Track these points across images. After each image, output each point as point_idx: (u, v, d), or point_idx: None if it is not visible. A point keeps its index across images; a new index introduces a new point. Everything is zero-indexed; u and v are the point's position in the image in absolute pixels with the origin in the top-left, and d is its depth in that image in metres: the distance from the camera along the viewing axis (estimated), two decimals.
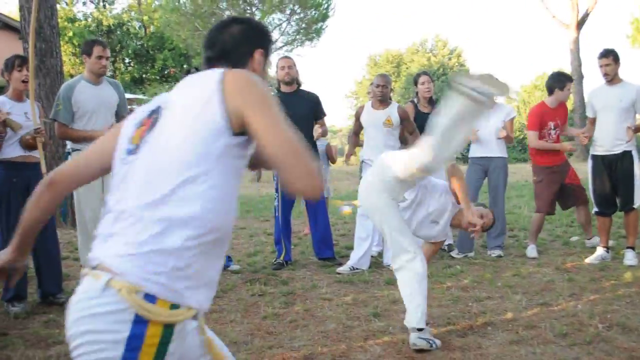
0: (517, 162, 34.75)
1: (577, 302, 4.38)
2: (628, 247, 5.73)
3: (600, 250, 5.84)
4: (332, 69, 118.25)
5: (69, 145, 5.01)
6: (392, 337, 3.76)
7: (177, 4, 17.97)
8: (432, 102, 6.41)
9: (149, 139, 1.63)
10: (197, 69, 5.65)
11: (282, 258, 5.92)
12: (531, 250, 6.11)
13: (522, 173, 19.63)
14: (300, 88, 6.04)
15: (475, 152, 6.35)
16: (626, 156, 5.68)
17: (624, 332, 3.71)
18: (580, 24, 22.55)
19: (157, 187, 1.54)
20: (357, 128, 6.22)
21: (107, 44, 5.15)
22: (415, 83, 6.49)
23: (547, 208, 6.24)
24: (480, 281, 5.09)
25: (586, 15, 22.59)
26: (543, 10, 23.09)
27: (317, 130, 5.78)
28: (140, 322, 1.48)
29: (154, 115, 1.67)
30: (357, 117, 6.10)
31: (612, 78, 5.74)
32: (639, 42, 28.89)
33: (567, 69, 25.35)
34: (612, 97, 5.67)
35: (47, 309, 4.57)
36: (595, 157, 5.86)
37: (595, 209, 5.92)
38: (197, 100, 1.60)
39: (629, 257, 5.62)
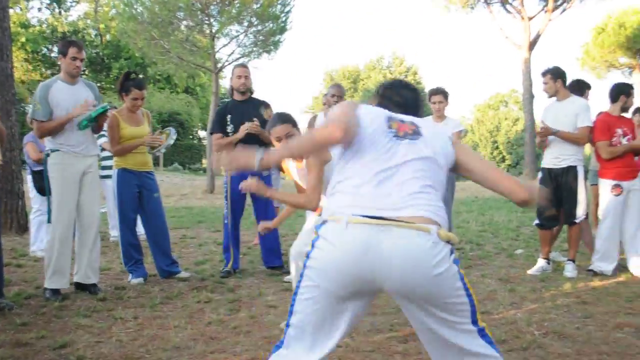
0: (467, 179, 35.38)
1: (517, 311, 4.49)
2: (568, 260, 5.91)
3: (541, 262, 6.01)
4: (290, 83, 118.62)
5: (48, 145, 5.14)
6: None
7: (133, 12, 17.77)
8: None
9: (417, 139, 2.31)
10: (136, 73, 5.75)
11: (229, 266, 5.91)
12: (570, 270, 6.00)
13: (471, 190, 20.00)
14: (252, 96, 6.08)
15: None
16: (571, 171, 5.87)
17: (559, 339, 3.82)
18: (532, 45, 23.15)
19: (434, 176, 2.28)
20: None
21: (83, 46, 5.29)
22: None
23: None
24: None
25: (538, 36, 23.21)
26: (497, 31, 23.61)
27: (267, 113, 5.80)
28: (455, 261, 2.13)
29: (412, 126, 2.36)
30: (310, 126, 6.15)
31: (552, 95, 5.96)
32: (588, 65, 29.81)
33: (520, 89, 25.98)
34: (559, 112, 5.86)
35: None
36: (543, 170, 6.04)
37: (536, 221, 6.08)
38: (442, 137, 2.41)
39: (569, 269, 5.79)
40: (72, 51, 5.05)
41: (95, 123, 5.19)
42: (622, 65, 29.37)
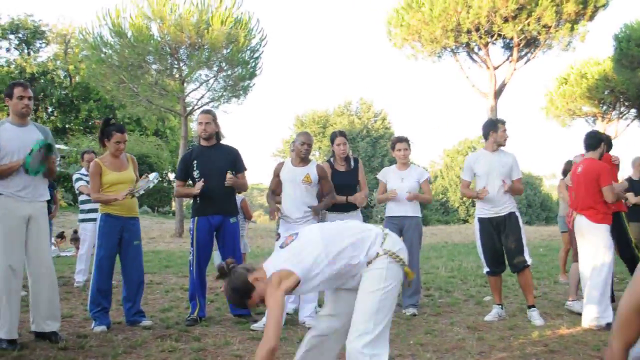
0: (439, 224, 35.56)
1: None
2: (530, 306, 5.95)
3: (495, 308, 6.07)
4: (260, 127, 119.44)
5: None
6: None
7: (103, 55, 17.78)
8: (349, 161, 6.54)
9: None
10: (116, 119, 5.73)
11: (196, 314, 5.80)
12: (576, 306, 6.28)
13: (442, 235, 20.10)
14: (220, 142, 6.07)
15: (390, 211, 6.51)
16: (512, 217, 6.01)
17: None
18: (497, 93, 23.63)
19: None
20: (275, 185, 6.20)
21: (29, 85, 5.16)
22: (332, 142, 6.61)
23: None
24: (393, 339, 5.10)
25: (503, 85, 23.71)
26: (464, 80, 24.05)
27: (228, 176, 5.77)
28: None
29: None
30: (277, 173, 6.11)
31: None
32: (552, 114, 30.52)
33: None
34: (495, 163, 6.02)
35: None
36: (482, 220, 6.13)
37: (486, 269, 6.15)
38: None
39: (535, 317, 5.81)
40: (17, 91, 4.93)
41: (43, 167, 5.00)
42: (585, 114, 30.10)
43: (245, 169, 6.09)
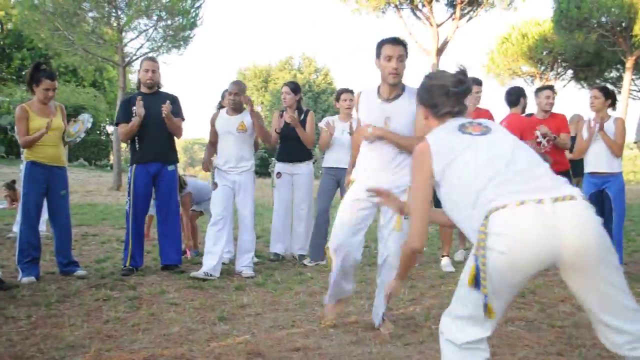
0: None
1: (415, 307, 4.62)
2: (443, 256, 6.36)
3: (444, 260, 6.33)
4: (202, 80, 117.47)
5: None
6: (235, 339, 3.77)
7: (36, 1, 17.02)
8: (300, 113, 6.61)
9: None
10: (46, 64, 5.60)
11: (128, 263, 5.74)
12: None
13: None
14: (160, 90, 6.00)
15: (328, 162, 6.54)
16: None
17: None
18: (440, 50, 23.81)
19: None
20: (213, 136, 6.11)
21: None
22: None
23: None
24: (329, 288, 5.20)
25: (445, 43, 23.90)
26: (407, 36, 24.12)
27: (164, 106, 5.68)
28: None
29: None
30: (212, 123, 6.06)
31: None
32: (492, 72, 31.03)
33: None
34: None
35: None
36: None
37: None
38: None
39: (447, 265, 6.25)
40: None
41: None
42: (524, 74, 30.71)
43: (183, 118, 6.01)
